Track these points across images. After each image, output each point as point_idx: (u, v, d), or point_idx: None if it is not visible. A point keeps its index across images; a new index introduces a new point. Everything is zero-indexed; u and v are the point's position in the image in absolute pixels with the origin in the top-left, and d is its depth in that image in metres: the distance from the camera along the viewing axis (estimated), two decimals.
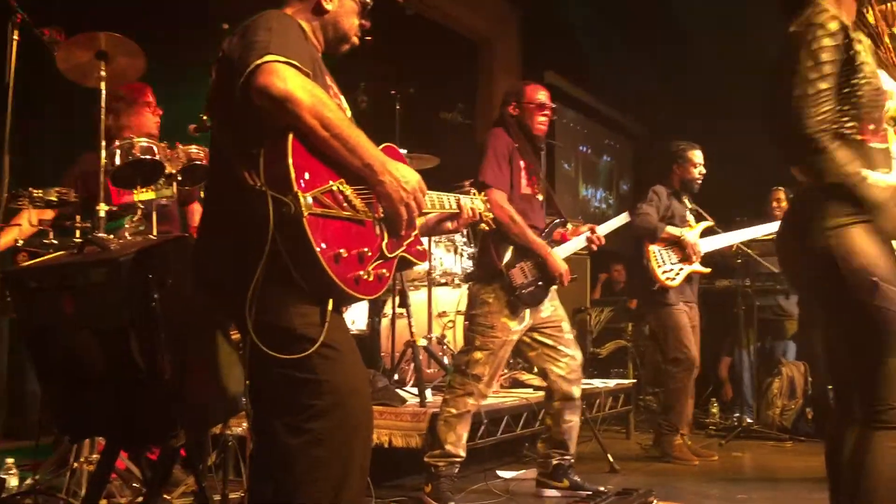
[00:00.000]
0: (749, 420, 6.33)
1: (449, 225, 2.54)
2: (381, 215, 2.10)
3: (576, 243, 4.06)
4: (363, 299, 2.10)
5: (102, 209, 3.38)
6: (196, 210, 4.20)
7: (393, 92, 5.44)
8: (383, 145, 2.14)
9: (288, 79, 1.87)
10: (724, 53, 8.49)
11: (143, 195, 3.63)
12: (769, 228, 5.23)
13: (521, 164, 3.94)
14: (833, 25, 2.24)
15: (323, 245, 1.89)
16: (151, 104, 4.07)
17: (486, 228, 2.72)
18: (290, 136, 1.91)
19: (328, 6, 2.24)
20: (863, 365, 2.28)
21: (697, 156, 5.21)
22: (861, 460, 2.24)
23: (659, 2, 8.53)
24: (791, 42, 2.29)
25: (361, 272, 2.01)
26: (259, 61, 1.87)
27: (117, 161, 3.45)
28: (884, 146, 2.33)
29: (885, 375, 2.22)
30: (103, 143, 3.43)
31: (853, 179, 2.20)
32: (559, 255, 3.94)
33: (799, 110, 2.22)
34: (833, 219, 2.27)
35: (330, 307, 1.99)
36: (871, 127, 2.29)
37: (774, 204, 6.53)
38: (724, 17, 8.22)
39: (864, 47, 2.29)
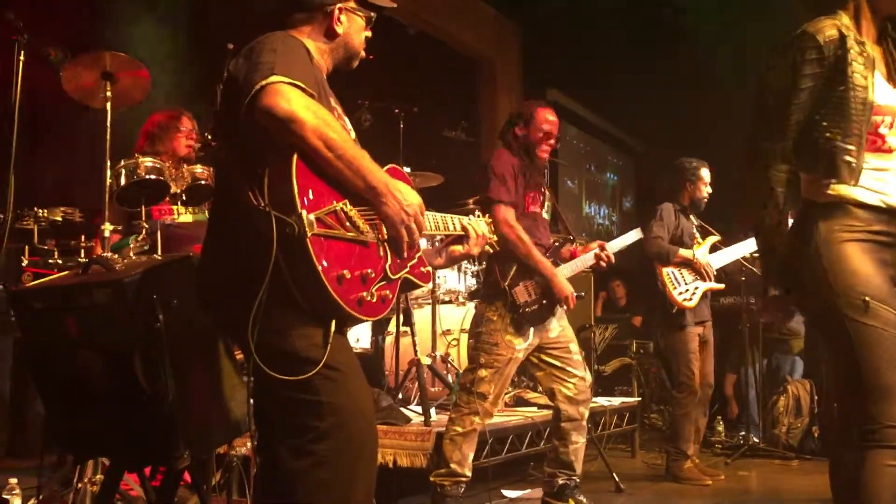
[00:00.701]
0: (755, 438, 6.29)
1: (460, 248, 2.52)
2: (385, 237, 2.10)
3: (584, 260, 4.04)
4: (366, 321, 2.10)
5: (107, 229, 3.38)
6: None
7: (396, 111, 5.45)
8: (387, 167, 2.14)
9: (293, 99, 1.88)
10: (726, 70, 8.51)
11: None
12: None
13: (524, 182, 3.93)
14: (824, 36, 2.24)
15: (326, 266, 1.89)
16: (184, 130, 4.11)
17: (490, 251, 2.71)
18: (295, 157, 1.91)
19: (340, 29, 2.25)
20: (854, 383, 2.25)
21: (707, 174, 5.22)
22: (857, 480, 2.21)
23: (662, 19, 8.55)
24: (782, 49, 2.30)
25: (364, 293, 2.00)
26: (264, 82, 1.88)
27: (122, 180, 3.47)
28: (881, 160, 2.30)
29: (875, 394, 2.19)
30: (108, 163, 3.44)
31: (759, 216, 2.33)
32: (565, 273, 3.94)
33: (765, 119, 2.30)
34: (827, 234, 2.26)
35: (333, 328, 1.98)
36: (858, 137, 2.26)
37: None
38: (727, 34, 8.24)
39: (864, 60, 2.26)
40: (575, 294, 3.92)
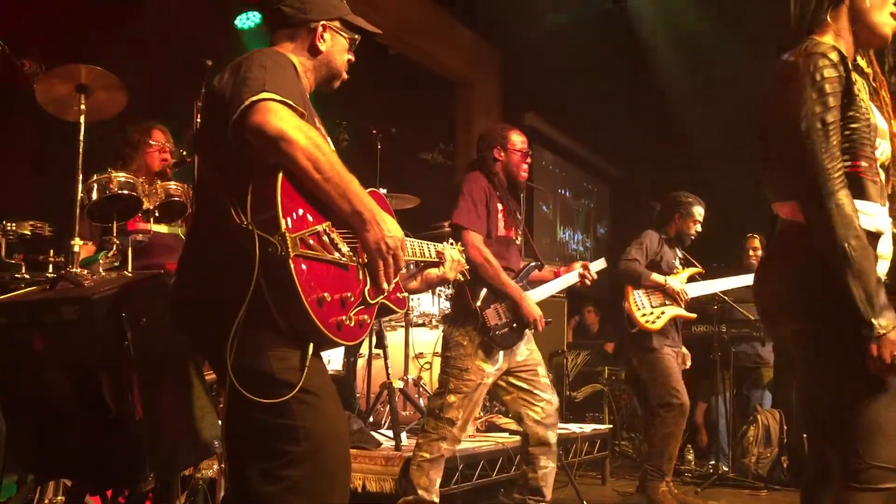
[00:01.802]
0: (725, 468, 6.30)
1: (436, 272, 2.57)
2: (365, 261, 2.08)
3: (567, 279, 4.07)
4: (343, 345, 2.06)
5: (77, 244, 3.32)
6: None
7: (374, 131, 5.44)
8: (368, 190, 2.11)
9: (284, 118, 1.85)
10: (702, 100, 8.61)
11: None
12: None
13: (499, 206, 3.94)
14: (834, 56, 2.18)
15: (307, 288, 1.86)
16: (156, 145, 4.07)
17: (461, 279, 2.75)
18: (280, 176, 1.88)
19: (322, 46, 2.23)
20: (843, 417, 2.16)
21: (699, 213, 5.23)
22: None
23: (638, 47, 8.65)
24: (790, 73, 2.21)
25: (343, 317, 1.97)
26: (254, 98, 1.85)
27: (94, 195, 3.42)
28: (877, 182, 2.25)
29: (864, 430, 2.11)
30: (80, 177, 3.38)
31: (843, 243, 2.07)
32: (547, 292, 3.95)
33: (809, 146, 2.13)
34: (824, 261, 2.14)
35: (310, 351, 1.95)
36: (864, 164, 2.21)
37: (751, 252, 6.58)
38: (702, 64, 8.35)
39: (860, 85, 2.23)
40: (544, 319, 3.93)
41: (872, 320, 2.04)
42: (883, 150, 2.29)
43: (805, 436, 5.19)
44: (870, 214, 2.18)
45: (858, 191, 2.17)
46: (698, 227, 5.23)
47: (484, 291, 3.80)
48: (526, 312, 3.82)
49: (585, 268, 4.09)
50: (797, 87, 2.17)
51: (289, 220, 1.86)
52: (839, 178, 2.12)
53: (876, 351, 2.04)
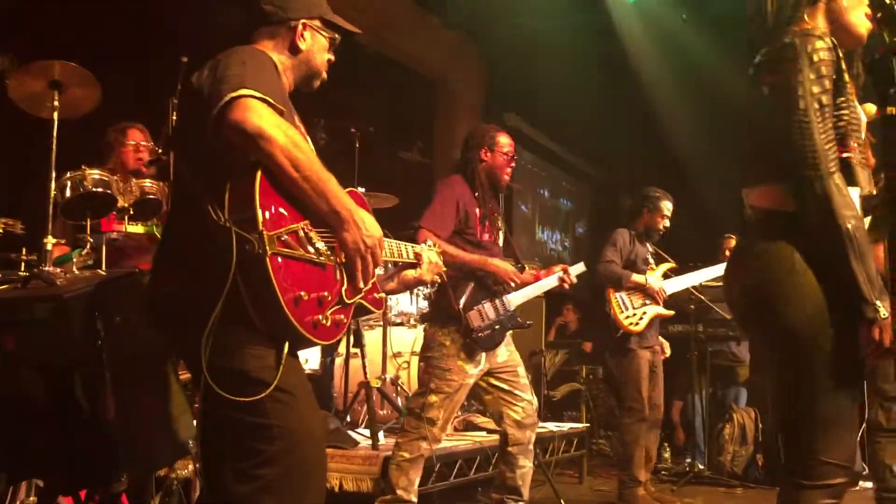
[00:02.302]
0: (701, 465, 6.34)
1: (413, 273, 2.58)
2: (343, 260, 2.07)
3: (547, 283, 4.07)
4: (319, 344, 2.06)
5: (50, 242, 3.28)
6: None
7: (352, 130, 5.43)
8: (347, 190, 2.10)
9: (263, 116, 1.84)
10: (681, 101, 8.66)
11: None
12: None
13: (477, 211, 3.92)
14: (828, 40, 2.17)
15: (284, 286, 1.86)
16: (132, 143, 4.05)
17: (438, 281, 2.76)
18: (259, 173, 1.87)
19: (302, 45, 2.22)
20: (802, 414, 2.13)
21: (668, 207, 5.24)
22: None
23: (618, 49, 8.68)
24: (786, 53, 2.18)
25: (320, 316, 1.96)
26: (233, 94, 1.84)
27: (68, 193, 3.38)
28: (866, 169, 2.24)
29: (822, 426, 2.09)
30: (53, 175, 3.35)
31: (846, 223, 2.03)
32: (529, 295, 3.97)
33: (806, 126, 2.09)
34: (791, 254, 2.13)
35: (286, 350, 1.94)
36: (853, 152, 2.20)
37: (727, 252, 6.61)
38: (682, 66, 8.39)
39: (847, 75, 2.22)
40: (524, 320, 3.94)
41: (876, 302, 2.03)
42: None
43: (779, 434, 5.26)
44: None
45: (849, 177, 2.16)
46: (666, 223, 5.25)
47: (467, 293, 3.79)
48: (498, 273, 3.82)
49: (565, 271, 4.09)
50: (793, 67, 2.15)
51: (266, 217, 1.86)
52: (835, 161, 2.10)
53: (878, 335, 2.03)
